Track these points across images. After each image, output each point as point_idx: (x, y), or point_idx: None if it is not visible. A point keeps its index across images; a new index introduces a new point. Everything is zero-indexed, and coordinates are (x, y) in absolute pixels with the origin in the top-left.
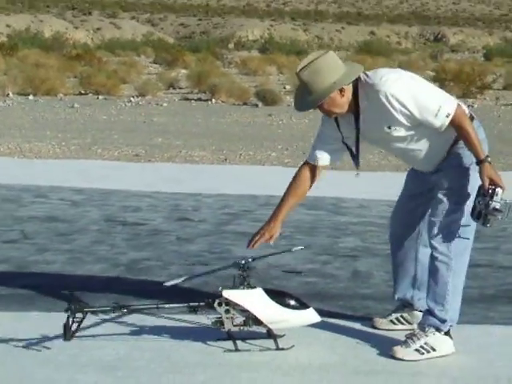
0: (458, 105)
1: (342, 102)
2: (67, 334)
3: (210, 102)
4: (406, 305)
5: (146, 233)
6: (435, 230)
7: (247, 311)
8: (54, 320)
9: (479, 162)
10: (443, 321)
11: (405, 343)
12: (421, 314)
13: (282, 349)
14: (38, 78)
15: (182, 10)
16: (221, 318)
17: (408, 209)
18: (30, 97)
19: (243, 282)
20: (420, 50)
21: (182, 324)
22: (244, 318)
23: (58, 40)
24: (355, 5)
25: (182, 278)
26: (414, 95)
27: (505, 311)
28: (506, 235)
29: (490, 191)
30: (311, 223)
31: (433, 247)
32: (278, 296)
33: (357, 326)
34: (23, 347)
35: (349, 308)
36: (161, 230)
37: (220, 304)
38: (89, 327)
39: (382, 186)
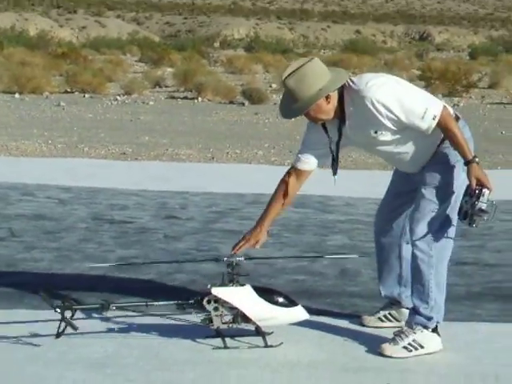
0: (444, 106)
1: (328, 109)
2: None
3: (196, 101)
4: (394, 302)
5: (134, 231)
6: (416, 226)
7: (236, 308)
8: (42, 317)
9: (467, 163)
10: (429, 318)
11: (393, 340)
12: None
13: (271, 346)
14: (23, 77)
15: (168, 9)
16: (210, 315)
17: (393, 206)
18: (16, 95)
19: (232, 279)
20: (405, 49)
21: (171, 321)
22: (233, 316)
23: (43, 38)
24: (341, 4)
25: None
26: (399, 99)
27: (491, 308)
28: (492, 233)
29: (477, 192)
30: (298, 221)
31: (413, 244)
32: (267, 293)
33: (345, 323)
34: (12, 344)
35: (337, 305)
36: (148, 228)
37: (209, 301)
38: (77, 324)
39: (369, 184)
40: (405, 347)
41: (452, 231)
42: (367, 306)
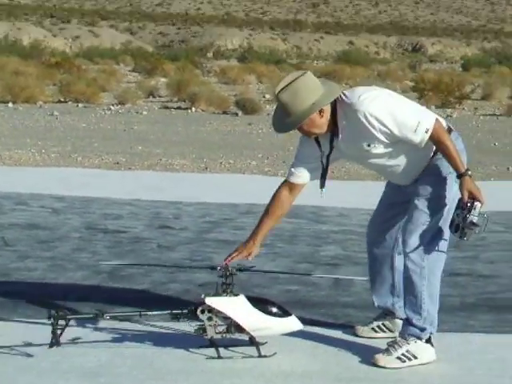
0: (436, 119)
1: (322, 123)
2: (55, 340)
3: (189, 111)
4: (388, 313)
5: (128, 240)
6: (409, 238)
7: (230, 318)
8: (35, 327)
9: (459, 176)
10: (422, 329)
11: (387, 351)
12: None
13: (265, 356)
14: (17, 86)
15: (161, 19)
16: (203, 325)
17: (386, 217)
18: (10, 104)
19: (226, 289)
20: (398, 60)
21: (165, 331)
22: (226, 326)
23: (36, 48)
24: (334, 15)
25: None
26: (392, 113)
27: (485, 319)
28: (486, 244)
29: (469, 205)
30: (292, 231)
31: (406, 255)
32: (261, 303)
33: (338, 333)
34: (5, 354)
35: (330, 316)
36: (142, 238)
37: (203, 311)
38: (71, 334)
39: (362, 194)
40: (398, 358)
41: (445, 243)
42: (361, 317)
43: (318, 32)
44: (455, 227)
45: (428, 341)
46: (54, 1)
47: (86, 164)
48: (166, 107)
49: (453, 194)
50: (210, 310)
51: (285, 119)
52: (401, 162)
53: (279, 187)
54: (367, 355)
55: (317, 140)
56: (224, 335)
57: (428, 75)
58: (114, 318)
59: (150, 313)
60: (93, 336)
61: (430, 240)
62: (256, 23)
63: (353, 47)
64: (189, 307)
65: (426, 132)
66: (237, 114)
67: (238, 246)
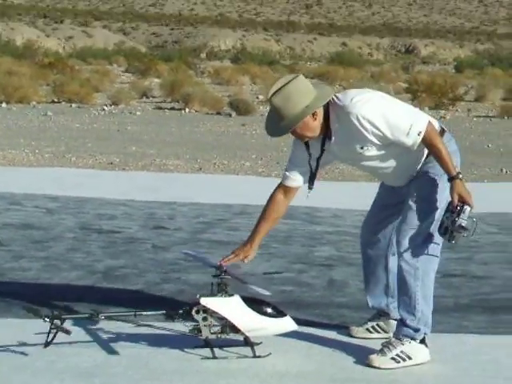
0: (429, 122)
1: (315, 126)
2: (50, 340)
3: (183, 111)
4: (382, 313)
5: (122, 240)
6: (403, 239)
7: (225, 319)
8: (30, 326)
9: (450, 179)
10: (416, 330)
11: (381, 351)
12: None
13: (259, 356)
14: (10, 86)
15: (154, 19)
16: (198, 325)
17: (379, 218)
18: (3, 104)
19: (221, 289)
20: (391, 62)
21: (160, 331)
22: (221, 326)
23: (29, 48)
24: (327, 16)
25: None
26: (384, 115)
27: (479, 320)
28: (479, 245)
29: (458, 208)
30: (286, 232)
31: (400, 256)
32: (256, 304)
33: (333, 334)
34: (0, 353)
35: (325, 316)
36: (136, 238)
37: (198, 311)
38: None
39: (356, 195)
40: (393, 358)
41: (439, 244)
42: (355, 317)
43: (312, 33)
44: (444, 230)
45: (422, 341)
46: (48, 1)
47: (79, 164)
48: (160, 108)
49: (446, 195)
50: (205, 310)
51: (278, 123)
52: (394, 163)
53: (274, 191)
54: (362, 356)
55: (306, 143)
56: (219, 335)
57: (421, 77)
58: (108, 318)
59: (145, 313)
60: (88, 336)
61: (424, 241)
62: (249, 24)
63: (346, 48)
64: (184, 307)
65: (419, 135)
66: (230, 115)
67: (236, 248)
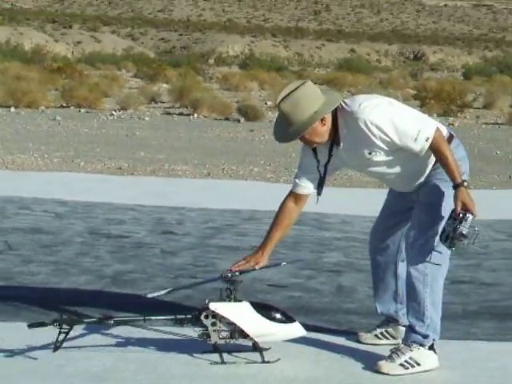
0: (437, 128)
1: (323, 131)
2: (59, 344)
3: (191, 117)
4: (391, 320)
5: (131, 245)
6: (412, 245)
7: (233, 324)
8: (39, 331)
9: (455, 186)
10: (425, 336)
11: (390, 358)
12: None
13: (268, 362)
14: (19, 91)
15: (163, 25)
16: (207, 330)
17: (388, 225)
18: (12, 109)
19: (230, 295)
20: (400, 68)
21: (169, 336)
22: (230, 331)
23: (38, 53)
24: (336, 22)
25: (165, 291)
26: (392, 121)
27: (487, 327)
28: (488, 252)
29: (461, 216)
30: (295, 238)
31: (409, 262)
32: (265, 309)
33: (341, 340)
34: (8, 358)
35: (333, 322)
36: (145, 243)
37: (207, 316)
38: (75, 338)
39: (365, 202)
40: (401, 364)
41: (447, 250)
42: (364, 323)
43: (320, 39)
44: (445, 237)
45: (431, 348)
46: (56, 6)
47: (88, 169)
48: (168, 113)
49: (451, 202)
50: (214, 315)
51: (286, 129)
52: (402, 169)
53: (285, 198)
54: (370, 362)
55: (314, 149)
56: (228, 341)
57: (430, 83)
58: (117, 322)
59: (154, 317)
60: (97, 340)
61: (433, 247)
62: (258, 30)
63: (354, 55)
64: (193, 312)
65: (427, 141)
66: (239, 121)
67: (247, 255)
